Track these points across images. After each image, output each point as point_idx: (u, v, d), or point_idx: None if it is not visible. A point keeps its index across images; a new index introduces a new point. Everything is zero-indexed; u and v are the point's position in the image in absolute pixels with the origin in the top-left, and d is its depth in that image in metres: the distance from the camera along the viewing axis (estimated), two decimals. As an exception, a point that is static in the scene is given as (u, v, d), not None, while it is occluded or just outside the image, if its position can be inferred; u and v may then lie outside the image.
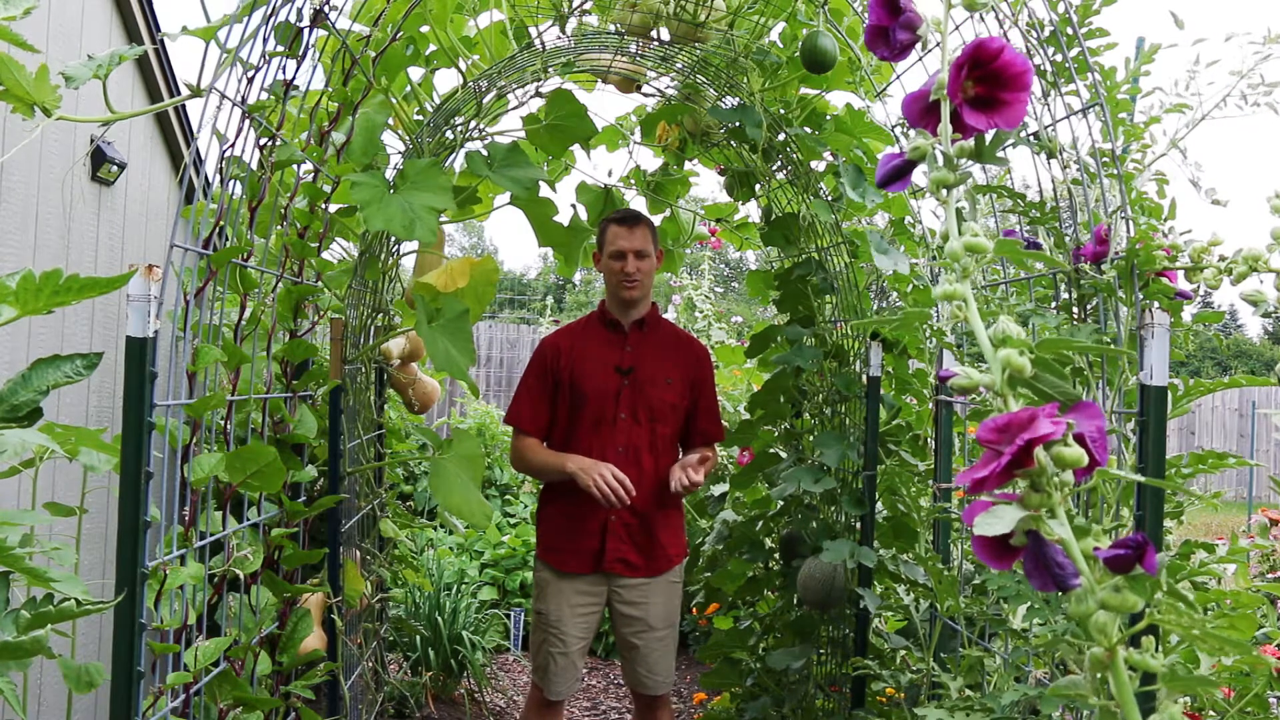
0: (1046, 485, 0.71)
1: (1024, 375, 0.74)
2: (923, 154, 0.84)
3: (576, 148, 2.94)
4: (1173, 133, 1.88)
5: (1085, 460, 0.71)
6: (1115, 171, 1.70)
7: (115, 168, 2.65)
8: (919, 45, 0.88)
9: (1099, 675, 0.72)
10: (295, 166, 2.10)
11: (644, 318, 2.78)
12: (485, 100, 2.75)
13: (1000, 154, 0.85)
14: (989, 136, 0.86)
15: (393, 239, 2.79)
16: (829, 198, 2.69)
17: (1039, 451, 0.70)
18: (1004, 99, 0.83)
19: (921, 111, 0.86)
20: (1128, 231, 1.65)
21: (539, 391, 2.76)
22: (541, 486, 2.86)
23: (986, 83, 0.83)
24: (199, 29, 1.66)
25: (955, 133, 0.83)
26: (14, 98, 1.41)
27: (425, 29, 2.56)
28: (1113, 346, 1.53)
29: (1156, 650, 0.72)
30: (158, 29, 2.86)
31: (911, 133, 0.86)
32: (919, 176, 0.87)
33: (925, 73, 2.05)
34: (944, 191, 0.82)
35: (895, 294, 2.81)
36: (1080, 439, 0.73)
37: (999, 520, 0.71)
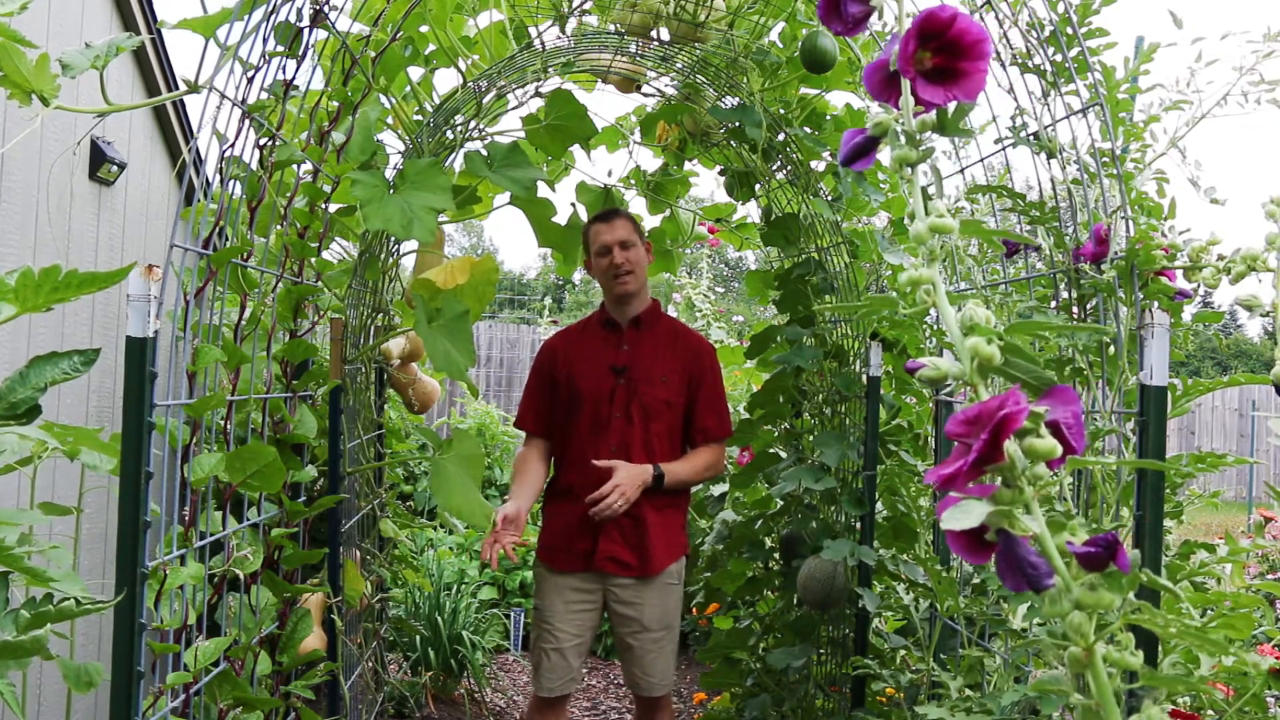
0: (1018, 480, 0.67)
1: (993, 364, 0.70)
2: (885, 129, 0.79)
3: (576, 148, 2.94)
4: (1173, 131, 1.88)
5: (1058, 451, 0.67)
6: (1115, 171, 1.70)
7: (115, 167, 2.64)
8: (875, 16, 0.81)
9: (1079, 675, 0.70)
10: (295, 166, 2.10)
11: (640, 315, 2.77)
12: (485, 100, 2.74)
13: (964, 125, 0.80)
14: (951, 109, 0.80)
15: (393, 239, 2.79)
16: (829, 198, 2.69)
17: (1009, 444, 0.67)
18: (963, 69, 0.78)
19: (883, 83, 0.80)
20: (1127, 231, 1.65)
21: (539, 395, 2.82)
22: (545, 488, 2.88)
23: (944, 53, 0.78)
24: (196, 19, 1.66)
25: (918, 106, 0.79)
26: (12, 84, 1.40)
27: (425, 29, 2.56)
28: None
29: (1136, 648, 0.70)
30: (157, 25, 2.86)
31: (875, 107, 0.81)
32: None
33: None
34: (907, 169, 0.78)
35: (894, 293, 2.80)
36: (1055, 427, 0.69)
37: (967, 515, 0.67)
